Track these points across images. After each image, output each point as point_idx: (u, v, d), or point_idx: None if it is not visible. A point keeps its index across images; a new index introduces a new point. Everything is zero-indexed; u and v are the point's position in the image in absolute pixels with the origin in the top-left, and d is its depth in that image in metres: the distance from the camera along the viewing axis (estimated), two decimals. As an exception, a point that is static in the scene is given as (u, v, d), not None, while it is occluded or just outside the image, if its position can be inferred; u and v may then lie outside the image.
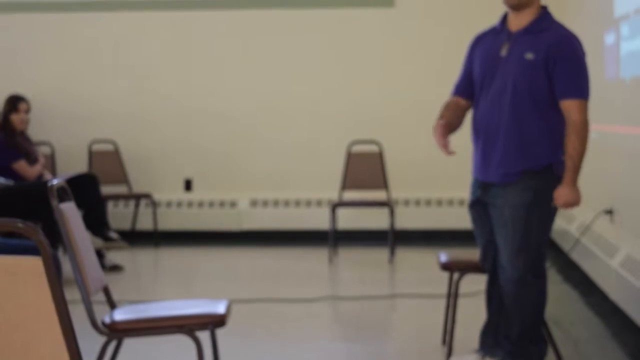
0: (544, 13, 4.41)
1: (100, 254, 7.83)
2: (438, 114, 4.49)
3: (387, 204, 8.53)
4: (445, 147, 4.33)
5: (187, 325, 3.77)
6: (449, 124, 4.42)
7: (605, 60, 7.14)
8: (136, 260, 8.77)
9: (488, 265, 4.55)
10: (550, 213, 4.37)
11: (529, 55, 4.30)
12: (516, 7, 4.38)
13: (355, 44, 9.69)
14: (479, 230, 4.54)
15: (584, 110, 4.28)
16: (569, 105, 4.27)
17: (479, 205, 4.49)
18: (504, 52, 4.38)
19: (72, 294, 4.16)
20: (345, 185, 8.99)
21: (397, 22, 9.62)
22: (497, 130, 4.34)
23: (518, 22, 4.40)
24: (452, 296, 5.02)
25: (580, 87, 4.29)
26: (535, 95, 4.29)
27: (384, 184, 8.96)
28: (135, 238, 9.32)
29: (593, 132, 7.66)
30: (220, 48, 9.77)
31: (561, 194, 4.27)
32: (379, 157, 9.02)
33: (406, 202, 9.52)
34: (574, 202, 4.28)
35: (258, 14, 9.75)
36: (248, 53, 9.74)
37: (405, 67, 9.62)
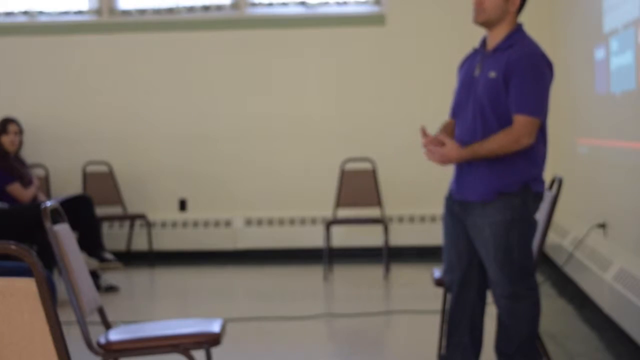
0: (516, 30, 4.39)
1: (95, 275, 7.83)
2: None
3: (381, 220, 8.54)
4: (432, 143, 4.34)
5: (182, 345, 3.78)
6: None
7: (595, 75, 7.18)
8: (131, 281, 8.77)
9: (454, 278, 4.51)
10: (530, 228, 4.37)
11: (492, 74, 4.28)
12: (485, 25, 4.39)
13: (347, 63, 9.72)
14: (450, 242, 4.51)
15: (527, 127, 4.20)
16: (515, 120, 4.23)
17: (454, 218, 4.49)
18: (477, 72, 4.39)
19: (67, 315, 4.17)
20: (339, 202, 9.01)
21: (389, 40, 9.66)
22: None
23: (492, 40, 4.40)
24: (447, 312, 5.02)
25: (529, 104, 4.23)
26: (501, 113, 4.27)
27: (377, 201, 8.98)
28: (130, 259, 9.33)
29: (584, 147, 7.71)
30: (213, 68, 9.80)
31: (447, 147, 4.24)
32: (373, 174, 9.05)
33: (400, 219, 9.53)
34: (446, 157, 4.23)
35: (250, 35, 9.79)
36: (240, 73, 9.77)
37: (397, 85, 9.66)
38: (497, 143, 4.22)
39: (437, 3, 9.56)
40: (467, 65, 4.50)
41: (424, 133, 4.38)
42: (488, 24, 4.38)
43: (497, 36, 4.39)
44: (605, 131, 6.92)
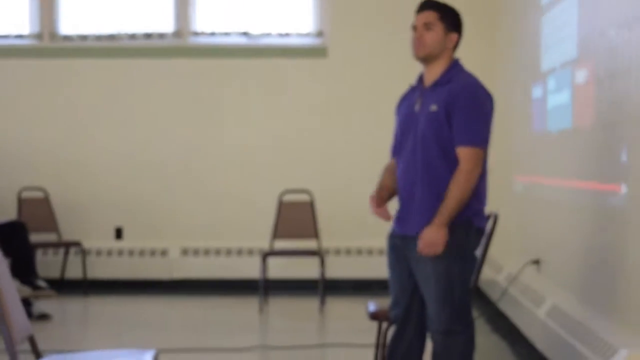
0: (454, 64, 4.45)
1: (27, 303, 7.72)
2: (377, 182, 4.56)
3: (317, 253, 8.54)
4: (382, 216, 4.46)
5: (113, 375, 3.74)
6: (387, 189, 4.51)
7: (532, 113, 7.26)
8: (65, 309, 8.66)
9: (398, 313, 4.52)
10: (470, 264, 4.39)
11: (433, 107, 4.33)
12: (424, 60, 4.44)
13: (288, 94, 9.74)
14: (394, 276, 4.53)
15: (473, 158, 4.26)
16: (459, 152, 4.28)
17: (397, 253, 4.50)
18: (417, 107, 4.43)
19: (-4, 343, 4.10)
20: (277, 234, 8.99)
21: (330, 72, 9.70)
22: (414, 185, 4.38)
23: (430, 76, 4.45)
24: (381, 346, 5.03)
25: (472, 134, 4.28)
26: (442, 146, 4.31)
27: (314, 233, 8.98)
28: (64, 287, 9.21)
29: (520, 184, 7.79)
30: (153, 96, 9.77)
31: (425, 234, 4.25)
32: (310, 206, 9.05)
33: (337, 251, 9.53)
34: (436, 242, 4.23)
35: (192, 63, 9.77)
36: (180, 102, 9.75)
37: (337, 117, 9.70)
38: (455, 191, 4.23)
39: (378, 36, 9.63)
40: (406, 102, 4.52)
41: (373, 202, 4.43)
42: (427, 59, 4.42)
43: (435, 71, 4.43)
44: (541, 169, 7.00)
